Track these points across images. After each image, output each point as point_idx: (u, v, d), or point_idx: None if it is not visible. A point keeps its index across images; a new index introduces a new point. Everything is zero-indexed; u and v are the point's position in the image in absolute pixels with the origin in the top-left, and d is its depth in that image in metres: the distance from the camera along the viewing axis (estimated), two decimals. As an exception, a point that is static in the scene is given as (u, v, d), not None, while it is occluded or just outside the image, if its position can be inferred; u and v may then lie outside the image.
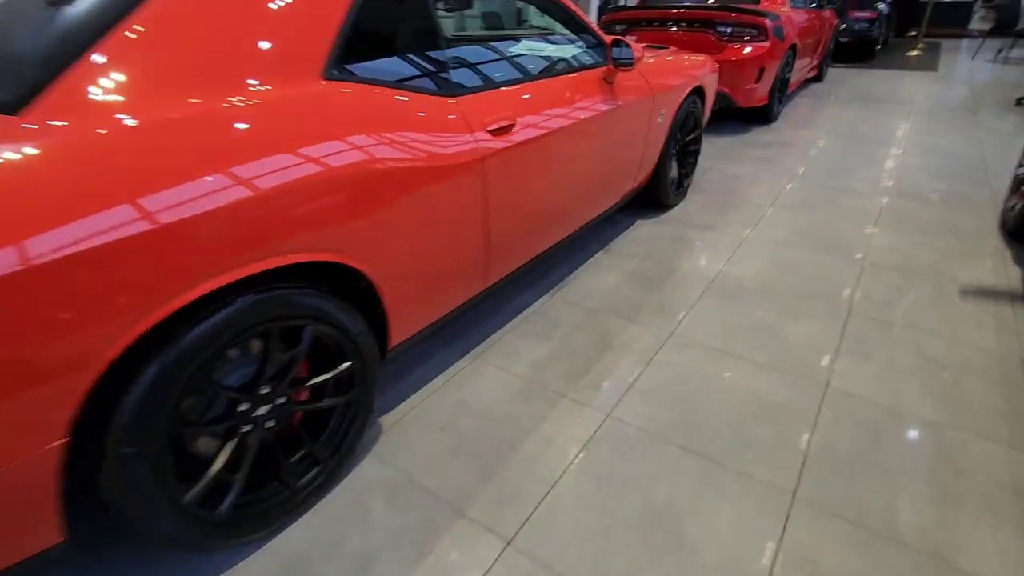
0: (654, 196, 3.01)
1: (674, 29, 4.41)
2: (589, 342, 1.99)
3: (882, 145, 4.27)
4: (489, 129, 1.57)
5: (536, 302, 2.25)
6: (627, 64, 2.15)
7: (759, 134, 4.67)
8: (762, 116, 4.89)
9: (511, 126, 1.65)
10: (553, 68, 1.99)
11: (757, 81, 4.41)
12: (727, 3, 4.46)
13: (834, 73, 7.63)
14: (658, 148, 2.73)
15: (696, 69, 2.92)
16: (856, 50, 8.57)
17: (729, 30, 4.27)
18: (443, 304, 1.63)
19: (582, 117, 1.96)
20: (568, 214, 2.12)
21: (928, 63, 8.19)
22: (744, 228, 2.90)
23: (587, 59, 2.17)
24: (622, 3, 7.87)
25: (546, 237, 2.04)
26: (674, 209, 3.16)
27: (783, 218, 3.04)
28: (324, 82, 1.23)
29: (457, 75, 1.58)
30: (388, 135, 1.28)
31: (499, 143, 1.59)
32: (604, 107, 2.09)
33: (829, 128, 4.76)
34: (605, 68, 2.19)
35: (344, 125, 1.20)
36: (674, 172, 3.06)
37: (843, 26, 8.25)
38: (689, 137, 3.12)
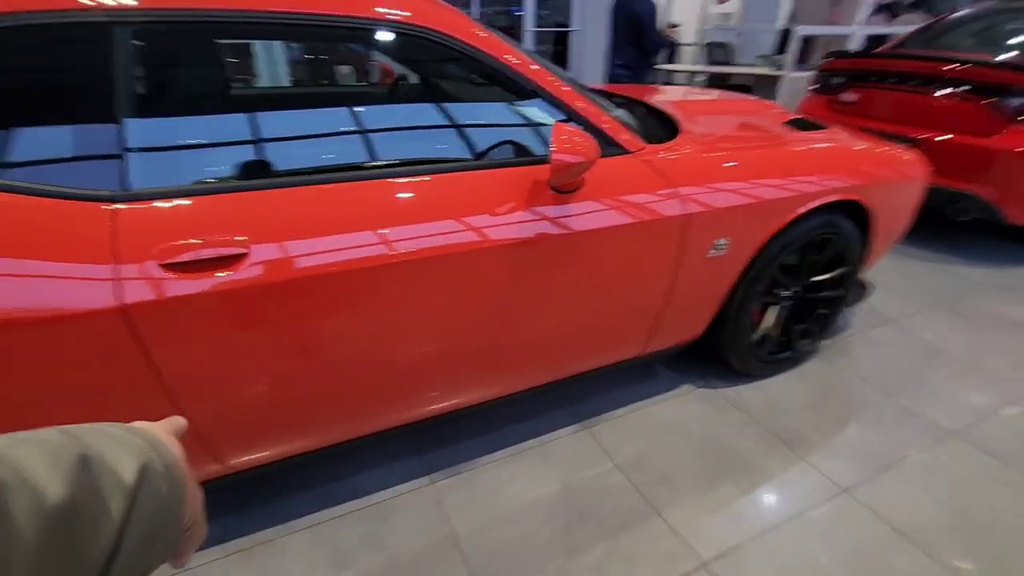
0: (717, 351, 1.89)
1: (924, 90, 2.89)
2: None
3: None
4: (165, 262, 0.95)
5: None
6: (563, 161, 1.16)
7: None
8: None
9: (233, 257, 0.99)
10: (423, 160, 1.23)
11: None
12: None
13: None
14: (713, 292, 1.66)
15: (845, 170, 1.70)
16: None
17: (1014, 101, 2.59)
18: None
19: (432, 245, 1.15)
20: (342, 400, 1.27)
21: None
22: (865, 464, 1.60)
23: (511, 150, 1.33)
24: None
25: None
26: (753, 382, 1.96)
27: (967, 466, 1.61)
28: None
29: (144, 164, 0.99)
30: None
31: (179, 283, 0.96)
32: (501, 233, 1.21)
33: None
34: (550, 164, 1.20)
35: None
36: (770, 325, 1.88)
37: None
38: (819, 278, 1.88)
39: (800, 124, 1.95)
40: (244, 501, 1.47)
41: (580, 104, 1.36)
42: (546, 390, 1.63)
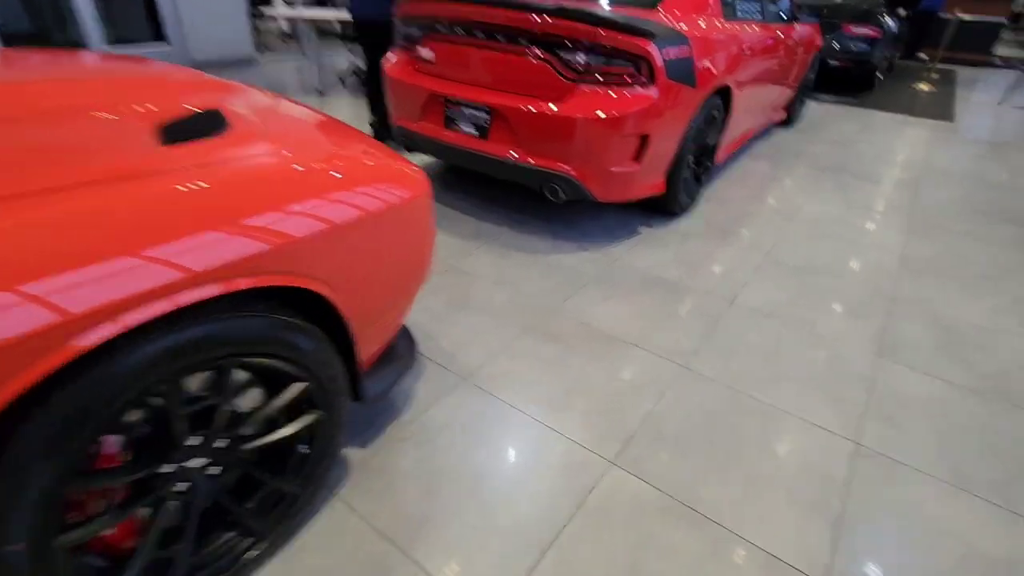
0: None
1: (500, 45, 2.31)
2: None
3: (852, 301, 2.25)
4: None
5: None
6: None
7: (639, 247, 2.61)
8: (660, 206, 2.83)
9: None
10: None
11: (636, 159, 2.35)
12: (590, 6, 2.35)
13: (815, 112, 5.56)
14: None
15: (255, 228, 0.85)
16: (850, 77, 6.49)
17: (582, 59, 2.18)
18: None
19: None
20: None
21: (941, 105, 6.15)
22: None
23: None
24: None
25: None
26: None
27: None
28: None
29: None
30: None
31: None
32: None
33: (771, 242, 2.72)
34: None
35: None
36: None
37: (835, 44, 6.16)
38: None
39: (193, 125, 1.03)
40: None
41: None
42: None
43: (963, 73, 8.69)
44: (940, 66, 8.76)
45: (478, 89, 2.42)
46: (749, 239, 2.71)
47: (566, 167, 2.29)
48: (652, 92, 2.20)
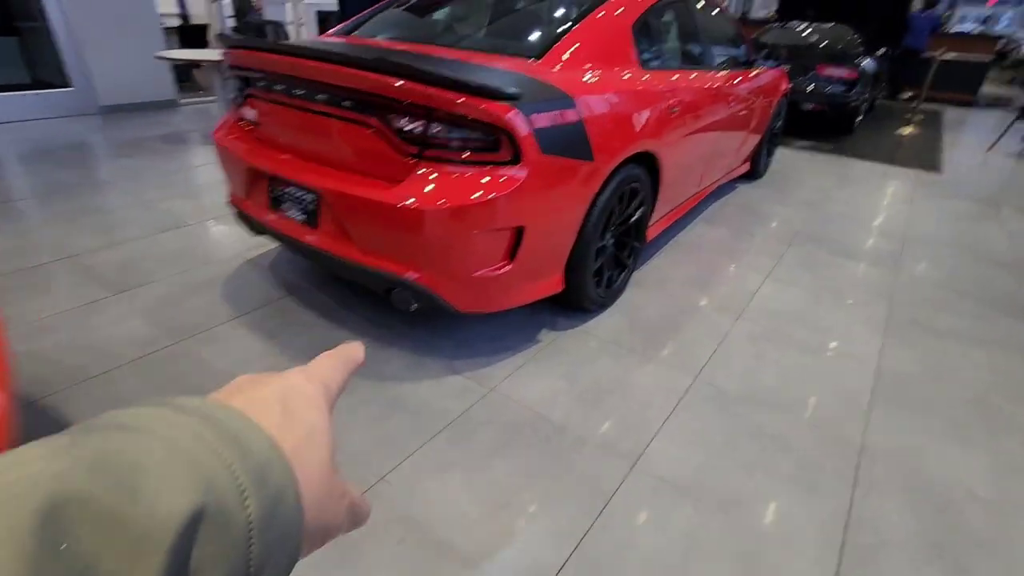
0: None
1: (317, 105, 1.72)
2: None
3: (806, 461, 1.61)
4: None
5: None
6: None
7: (530, 367, 1.99)
8: (567, 303, 2.20)
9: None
10: None
11: (508, 258, 1.73)
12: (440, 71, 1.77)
13: (786, 161, 5.01)
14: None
15: None
16: (826, 120, 5.99)
17: (420, 129, 1.58)
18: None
19: None
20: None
21: (927, 151, 5.63)
22: None
23: None
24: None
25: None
26: None
27: None
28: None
29: None
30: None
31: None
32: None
33: (707, 353, 2.10)
34: None
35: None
36: None
37: (809, 87, 5.67)
38: None
39: None
40: None
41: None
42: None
43: (949, 114, 8.24)
44: (925, 106, 8.33)
45: (303, 164, 1.82)
46: (678, 350, 2.08)
47: (407, 271, 1.68)
48: (518, 172, 1.60)
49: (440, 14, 2.46)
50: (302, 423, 0.26)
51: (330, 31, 2.46)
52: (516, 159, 1.59)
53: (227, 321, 2.10)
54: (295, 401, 0.26)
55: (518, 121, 1.54)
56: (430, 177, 1.59)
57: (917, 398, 1.91)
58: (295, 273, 2.45)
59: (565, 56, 1.87)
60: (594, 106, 1.82)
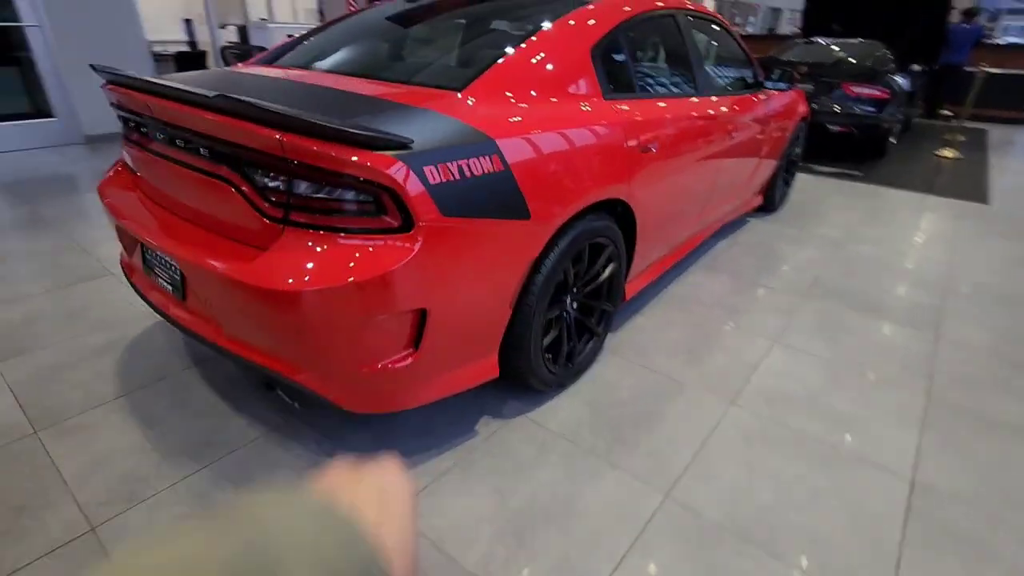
0: None
1: (178, 154, 1.37)
2: None
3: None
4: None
5: None
6: None
7: (454, 475, 1.60)
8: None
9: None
10: None
11: (412, 346, 1.33)
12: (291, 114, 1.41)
13: (808, 190, 4.51)
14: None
15: None
16: (854, 143, 5.46)
17: (283, 186, 1.21)
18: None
19: None
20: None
21: (970, 178, 5.05)
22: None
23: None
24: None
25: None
26: None
27: None
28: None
29: None
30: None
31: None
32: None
33: (684, 462, 1.67)
34: None
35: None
36: None
37: (835, 107, 5.17)
38: None
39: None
40: None
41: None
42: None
43: (995, 133, 7.57)
44: (968, 124, 7.66)
45: (167, 224, 1.47)
46: (650, 452, 1.64)
47: (279, 365, 1.30)
48: (409, 242, 1.21)
49: (374, 39, 2.11)
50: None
51: (251, 59, 2.15)
52: (408, 225, 1.20)
53: (107, 402, 1.75)
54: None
55: (404, 176, 1.16)
56: (295, 249, 1.21)
57: (965, 535, 1.42)
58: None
59: (493, 86, 1.49)
60: (528, 149, 1.42)
